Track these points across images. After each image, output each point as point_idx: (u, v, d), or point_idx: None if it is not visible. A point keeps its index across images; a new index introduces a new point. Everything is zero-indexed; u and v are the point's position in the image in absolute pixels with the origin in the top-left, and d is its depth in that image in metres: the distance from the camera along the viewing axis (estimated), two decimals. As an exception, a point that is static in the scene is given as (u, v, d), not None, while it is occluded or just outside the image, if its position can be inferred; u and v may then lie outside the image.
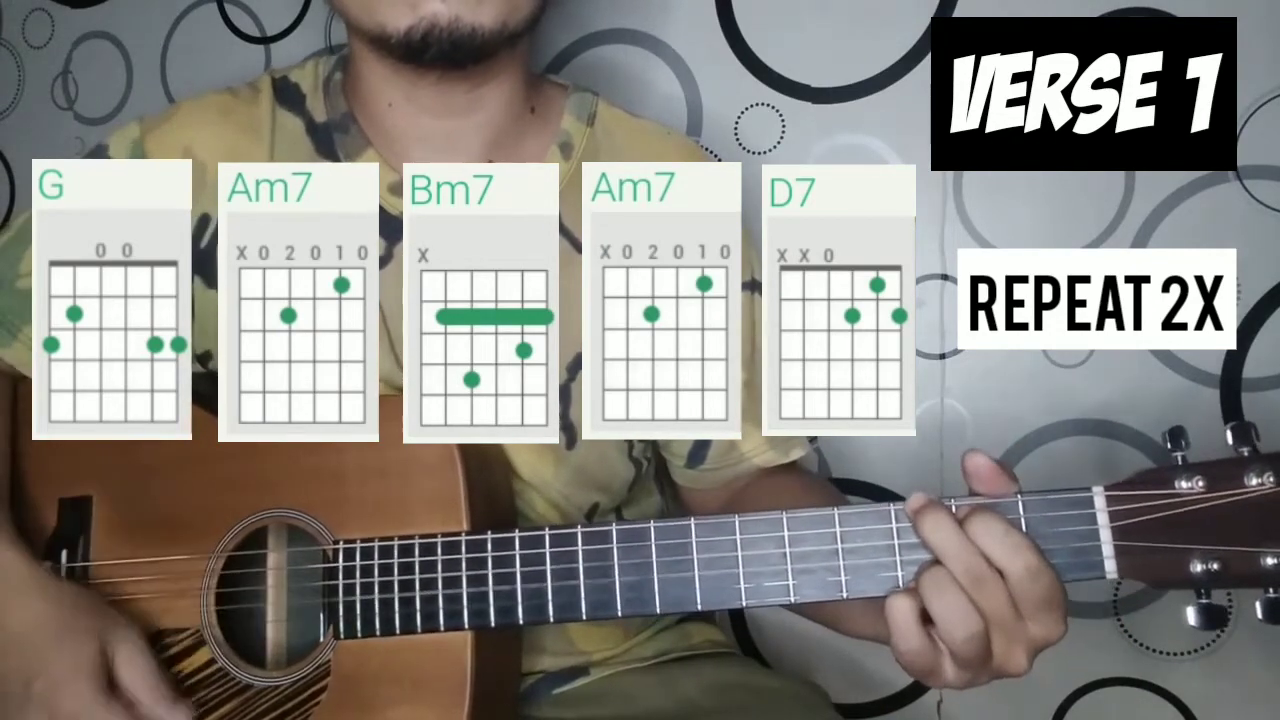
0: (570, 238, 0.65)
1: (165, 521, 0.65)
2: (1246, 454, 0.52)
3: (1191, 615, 0.53)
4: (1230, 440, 0.53)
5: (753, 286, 0.70)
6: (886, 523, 0.55)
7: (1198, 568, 0.52)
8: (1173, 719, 0.87)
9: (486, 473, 0.66)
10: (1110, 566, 0.53)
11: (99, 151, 0.72)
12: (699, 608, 0.56)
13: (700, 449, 0.76)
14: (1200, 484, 0.52)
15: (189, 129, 0.71)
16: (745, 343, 0.61)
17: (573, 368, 0.68)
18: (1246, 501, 0.51)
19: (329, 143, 0.71)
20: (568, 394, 0.70)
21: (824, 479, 0.87)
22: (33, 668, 0.59)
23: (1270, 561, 0.51)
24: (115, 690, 0.60)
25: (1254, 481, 0.51)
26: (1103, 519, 0.53)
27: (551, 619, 0.58)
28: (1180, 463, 0.53)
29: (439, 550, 0.60)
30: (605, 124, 0.75)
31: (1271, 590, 0.52)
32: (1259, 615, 0.52)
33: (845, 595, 0.55)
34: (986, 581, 0.51)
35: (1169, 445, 0.54)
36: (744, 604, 0.56)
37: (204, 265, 0.67)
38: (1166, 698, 0.87)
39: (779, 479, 0.76)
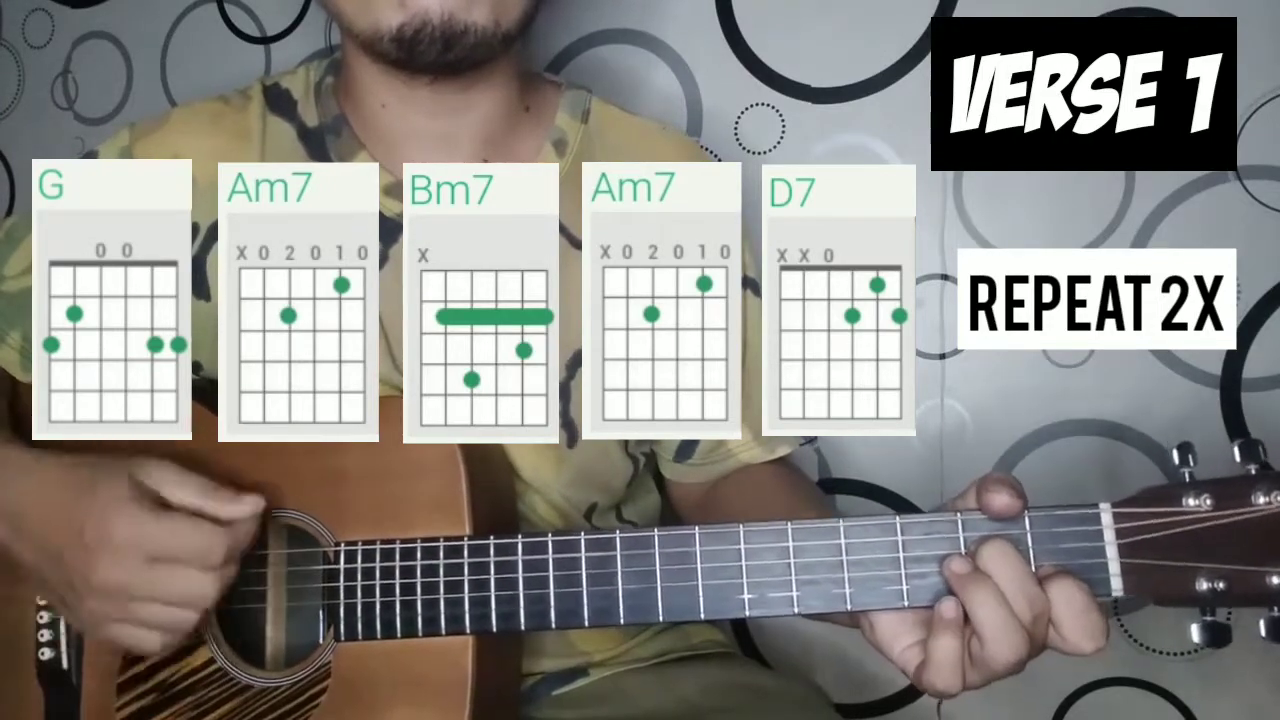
0: (567, 235, 0.65)
1: None
2: (1254, 471, 0.52)
3: (1195, 633, 0.52)
4: (1238, 457, 0.52)
5: (745, 284, 0.70)
6: (891, 535, 0.54)
7: (1203, 586, 0.51)
8: (1173, 719, 0.87)
9: (489, 474, 0.66)
10: (1116, 584, 0.52)
11: (89, 158, 0.72)
12: (702, 617, 0.56)
13: (688, 444, 0.77)
14: (1208, 502, 0.51)
15: (178, 137, 0.71)
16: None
17: (572, 365, 0.68)
18: (1253, 520, 0.51)
19: (321, 147, 0.71)
20: (567, 391, 0.70)
21: (805, 476, 0.87)
22: (74, 522, 0.57)
23: (1275, 581, 0.50)
24: (169, 508, 0.58)
25: (1261, 500, 0.51)
26: (1109, 535, 0.53)
27: (554, 625, 0.58)
28: (1188, 479, 0.53)
29: (441, 554, 0.60)
30: (599, 120, 0.75)
31: (1276, 609, 0.51)
32: (1263, 634, 0.51)
33: (849, 608, 0.54)
34: (1042, 618, 0.51)
35: (1177, 461, 0.53)
36: (747, 614, 0.56)
37: (192, 275, 0.67)
38: (1166, 698, 0.87)
39: (761, 473, 0.77)
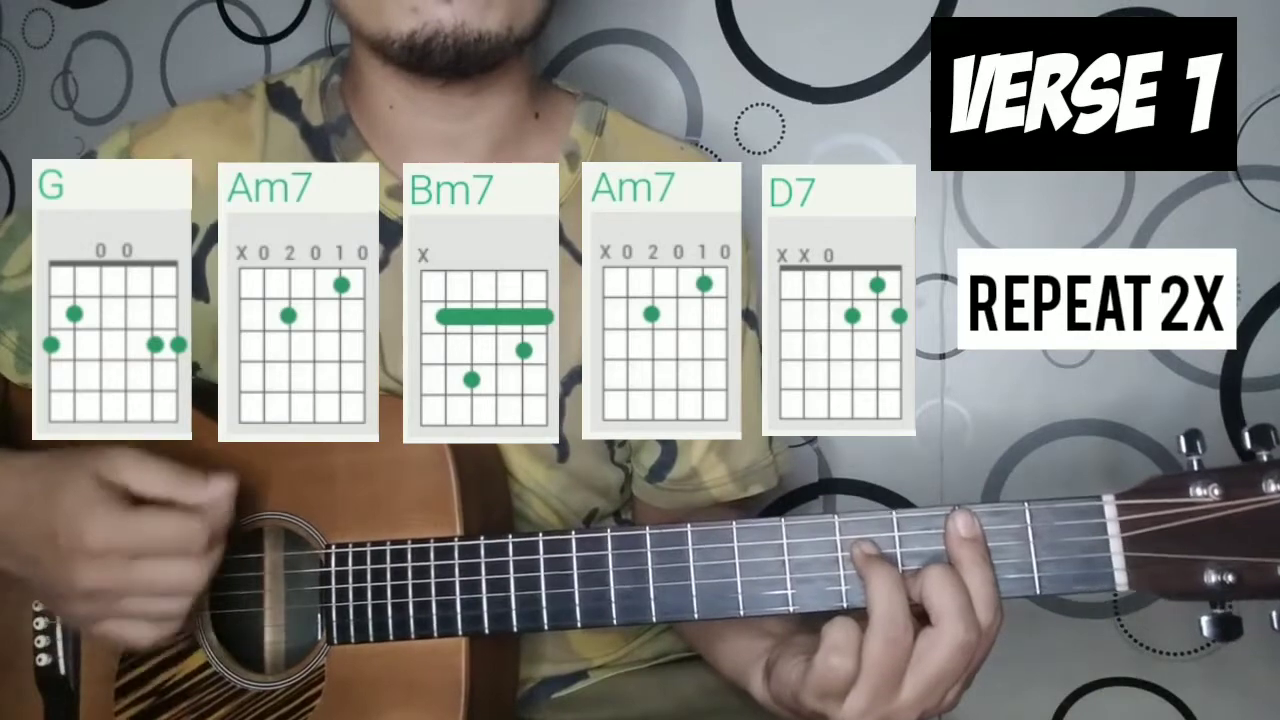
0: (571, 249, 0.65)
1: None
2: (1265, 459, 0.50)
3: (1205, 626, 0.51)
4: (1248, 444, 0.51)
5: (745, 316, 0.67)
6: (888, 530, 0.54)
7: (1212, 579, 0.50)
8: (1173, 719, 0.87)
9: (481, 474, 0.66)
10: (1121, 579, 0.51)
11: (89, 159, 0.72)
12: (695, 617, 0.56)
13: (662, 467, 0.74)
14: (1216, 491, 0.50)
15: (179, 137, 0.70)
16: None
17: (568, 381, 0.67)
18: (1264, 509, 0.49)
19: (325, 146, 0.70)
20: (563, 407, 0.69)
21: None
22: (45, 528, 0.56)
23: None
24: (140, 502, 0.56)
25: (1273, 489, 0.49)
26: (1113, 529, 0.51)
27: (546, 626, 0.57)
28: (1195, 468, 0.51)
29: (431, 555, 0.59)
30: (614, 133, 0.74)
31: None
32: (1276, 627, 0.50)
33: (845, 605, 0.54)
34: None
35: (1184, 449, 0.52)
36: (741, 613, 0.55)
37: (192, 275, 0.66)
38: (1166, 698, 0.87)
39: (727, 513, 0.74)
